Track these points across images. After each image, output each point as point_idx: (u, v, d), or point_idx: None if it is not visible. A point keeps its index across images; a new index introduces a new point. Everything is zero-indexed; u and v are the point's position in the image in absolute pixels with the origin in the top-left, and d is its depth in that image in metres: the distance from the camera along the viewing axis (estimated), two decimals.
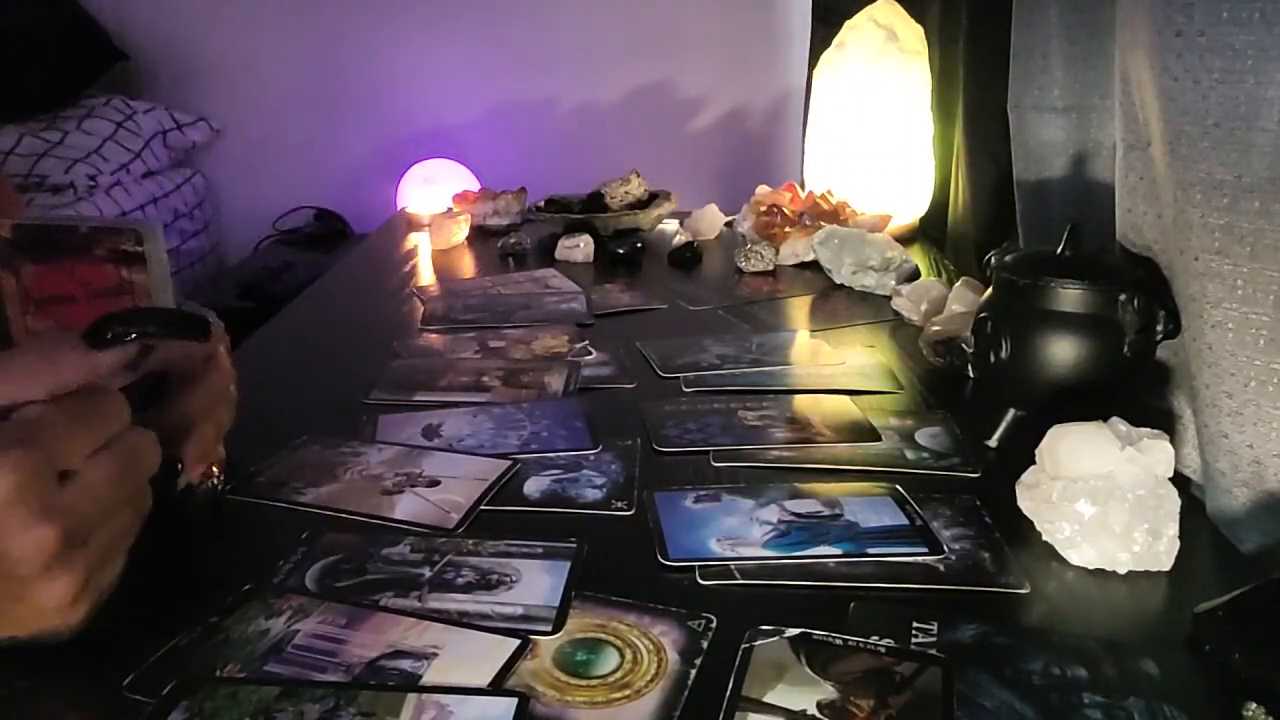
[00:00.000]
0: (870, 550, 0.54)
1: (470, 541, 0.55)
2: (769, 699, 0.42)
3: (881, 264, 1.08)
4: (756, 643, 0.46)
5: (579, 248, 1.27)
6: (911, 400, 0.78)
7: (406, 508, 0.59)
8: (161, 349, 0.50)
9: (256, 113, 2.27)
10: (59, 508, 0.37)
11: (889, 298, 1.02)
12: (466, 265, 1.32)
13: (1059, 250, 0.65)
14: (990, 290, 0.69)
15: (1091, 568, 0.53)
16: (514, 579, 0.51)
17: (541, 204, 1.46)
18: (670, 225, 1.43)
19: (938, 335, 0.84)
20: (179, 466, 0.50)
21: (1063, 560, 0.53)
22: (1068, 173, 0.88)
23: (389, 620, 0.47)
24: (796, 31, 2.06)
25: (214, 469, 0.56)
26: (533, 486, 0.62)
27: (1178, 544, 0.52)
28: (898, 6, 1.33)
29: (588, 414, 0.73)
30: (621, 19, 2.19)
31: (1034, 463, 0.57)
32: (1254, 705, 0.41)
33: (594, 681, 0.43)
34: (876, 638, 0.46)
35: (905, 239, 1.28)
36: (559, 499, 0.61)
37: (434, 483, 0.62)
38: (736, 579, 0.52)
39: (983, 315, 0.68)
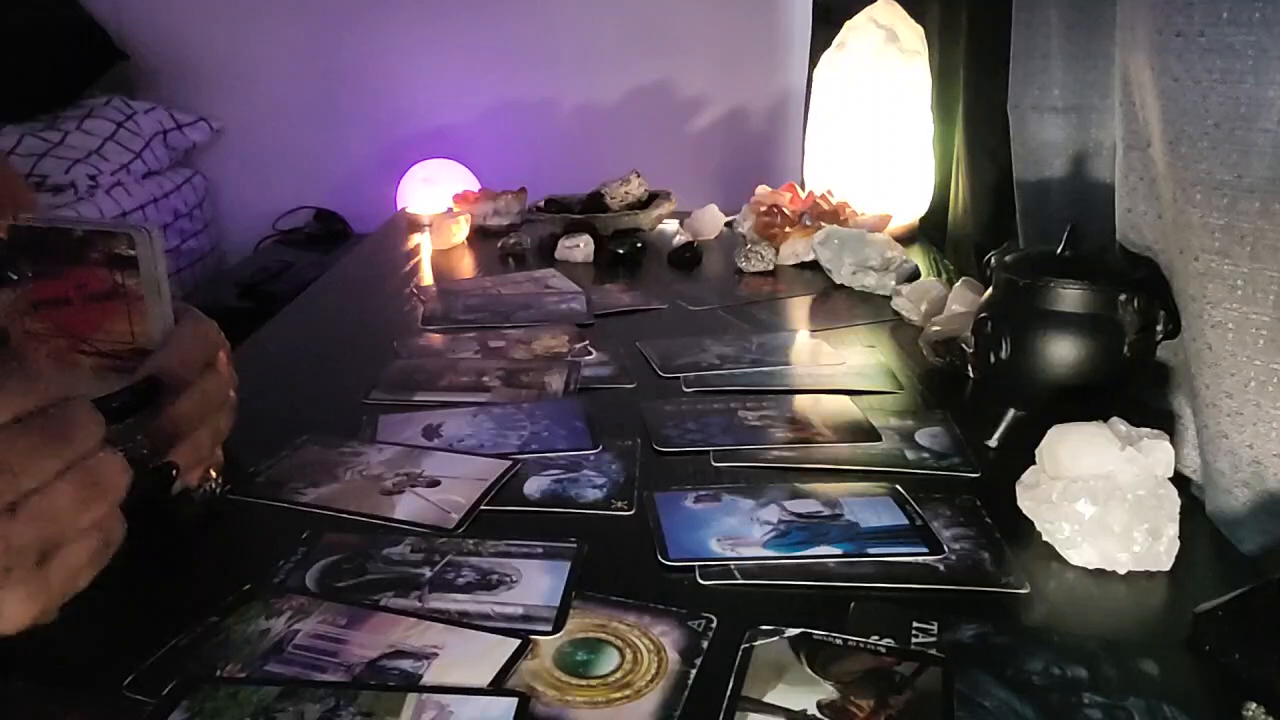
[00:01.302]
0: (870, 550, 0.54)
1: (470, 541, 0.55)
2: (769, 699, 0.42)
3: (881, 264, 1.08)
4: (756, 643, 0.46)
5: (579, 248, 1.27)
6: (911, 400, 0.78)
7: (407, 508, 0.59)
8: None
9: (256, 113, 2.27)
10: (6, 532, 0.37)
11: (889, 298, 1.02)
12: (466, 265, 1.31)
13: (1059, 250, 0.65)
14: (990, 290, 0.69)
15: (1091, 568, 0.53)
16: (514, 579, 0.51)
17: (541, 204, 1.46)
18: (670, 225, 1.43)
19: (938, 335, 0.84)
20: (174, 471, 0.50)
21: (1063, 560, 0.53)
22: (1068, 173, 0.88)
23: (389, 620, 0.47)
24: (796, 31, 2.07)
25: (212, 472, 0.56)
26: (533, 486, 0.62)
27: (1178, 544, 0.52)
28: (898, 6, 1.33)
29: (588, 414, 0.73)
30: (621, 19, 2.19)
31: (1034, 463, 0.57)
32: (1254, 705, 0.41)
33: (594, 681, 0.43)
34: (876, 638, 0.46)
35: (905, 239, 1.28)
36: (559, 499, 0.61)
37: (434, 483, 0.62)
38: (736, 579, 0.52)
39: (983, 315, 0.68)
